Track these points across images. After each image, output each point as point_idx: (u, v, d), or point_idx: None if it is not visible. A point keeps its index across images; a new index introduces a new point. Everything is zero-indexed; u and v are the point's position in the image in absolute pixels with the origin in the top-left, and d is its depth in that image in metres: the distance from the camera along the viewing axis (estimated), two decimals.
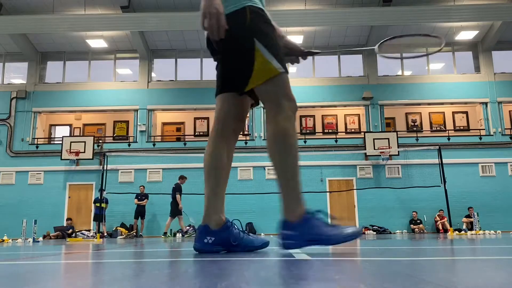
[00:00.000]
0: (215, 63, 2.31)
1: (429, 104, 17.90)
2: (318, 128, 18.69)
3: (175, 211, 12.86)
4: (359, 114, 18.36)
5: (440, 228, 14.96)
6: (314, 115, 18.71)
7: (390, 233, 14.90)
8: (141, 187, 15.31)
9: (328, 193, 16.16)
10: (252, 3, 2.08)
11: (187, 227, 15.47)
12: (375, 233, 14.82)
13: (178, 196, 12.74)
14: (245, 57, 2.02)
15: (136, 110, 17.58)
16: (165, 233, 13.33)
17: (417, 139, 16.98)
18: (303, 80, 17.76)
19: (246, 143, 17.08)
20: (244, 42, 2.01)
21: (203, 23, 1.92)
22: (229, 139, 2.25)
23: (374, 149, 15.98)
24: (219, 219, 2.23)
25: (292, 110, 2.11)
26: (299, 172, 2.05)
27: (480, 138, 16.86)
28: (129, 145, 17.36)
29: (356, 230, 2.08)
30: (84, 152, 16.37)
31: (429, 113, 18.58)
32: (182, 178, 13.40)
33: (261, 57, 2.01)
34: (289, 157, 2.03)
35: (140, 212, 14.92)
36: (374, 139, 16.24)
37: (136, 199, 14.98)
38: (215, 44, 2.08)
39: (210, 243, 2.18)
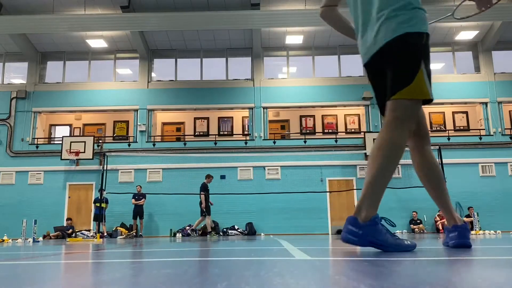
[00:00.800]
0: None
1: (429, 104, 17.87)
2: (318, 128, 18.68)
3: (206, 209, 12.46)
4: (359, 114, 18.36)
5: (440, 228, 14.95)
6: (314, 115, 18.71)
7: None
8: (138, 187, 15.30)
9: (328, 193, 16.16)
10: (428, 32, 2.35)
11: (187, 227, 15.48)
12: None
13: (202, 195, 12.36)
14: (408, 72, 2.26)
15: (136, 110, 17.58)
16: (210, 232, 12.70)
17: None
18: (303, 80, 17.76)
19: (246, 143, 17.07)
20: (414, 59, 2.27)
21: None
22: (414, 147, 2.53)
23: None
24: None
25: (410, 134, 2.35)
26: (387, 184, 2.25)
27: (480, 138, 16.86)
28: (129, 145, 17.35)
29: (412, 243, 2.30)
30: (84, 152, 16.36)
31: (429, 113, 18.56)
32: (209, 177, 12.70)
33: (420, 78, 2.25)
34: (389, 168, 2.24)
35: (138, 212, 14.92)
36: (374, 139, 16.23)
37: (133, 199, 14.98)
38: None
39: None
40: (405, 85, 2.24)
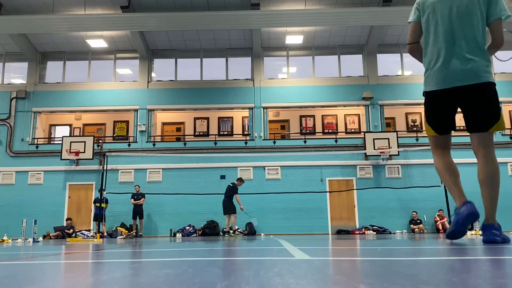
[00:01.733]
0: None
1: None
2: (318, 128, 18.68)
3: (229, 209, 12.75)
4: (359, 114, 18.36)
5: (440, 228, 14.95)
6: (314, 115, 18.70)
7: (390, 233, 14.89)
8: (137, 187, 15.30)
9: (328, 193, 16.16)
10: None
11: (188, 227, 15.50)
12: (375, 233, 14.81)
13: (238, 197, 12.72)
14: (497, 111, 3.27)
15: (136, 110, 17.57)
16: (228, 232, 12.76)
17: (417, 139, 16.98)
18: (303, 80, 17.76)
19: (246, 143, 17.07)
20: (497, 101, 3.30)
21: None
22: (449, 154, 3.68)
23: (374, 149, 15.97)
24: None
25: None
26: None
27: None
28: (129, 145, 17.35)
29: (507, 237, 3.20)
30: (84, 152, 16.35)
31: None
32: (241, 180, 13.21)
33: (501, 115, 3.28)
34: (499, 185, 3.45)
35: (137, 212, 14.91)
36: (374, 139, 16.23)
37: (132, 199, 14.96)
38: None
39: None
40: (495, 122, 3.23)
